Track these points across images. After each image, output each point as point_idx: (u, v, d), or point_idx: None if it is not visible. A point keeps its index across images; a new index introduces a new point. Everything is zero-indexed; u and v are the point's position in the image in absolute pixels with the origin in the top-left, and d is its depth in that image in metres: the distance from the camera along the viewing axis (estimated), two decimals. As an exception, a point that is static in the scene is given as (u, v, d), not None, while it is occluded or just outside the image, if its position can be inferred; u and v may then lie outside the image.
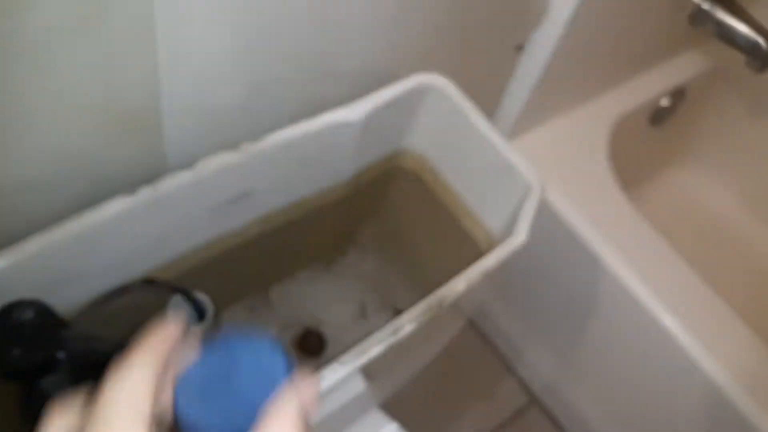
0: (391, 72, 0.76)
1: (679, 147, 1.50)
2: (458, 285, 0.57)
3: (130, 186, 0.62)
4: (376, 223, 0.82)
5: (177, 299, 0.63)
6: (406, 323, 0.55)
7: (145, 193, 0.57)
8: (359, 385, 0.64)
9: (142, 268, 0.61)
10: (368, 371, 0.61)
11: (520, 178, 0.65)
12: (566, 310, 1.18)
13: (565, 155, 1.15)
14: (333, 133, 0.66)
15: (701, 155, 1.52)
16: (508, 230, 0.66)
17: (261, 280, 0.76)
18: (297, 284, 0.80)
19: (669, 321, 0.96)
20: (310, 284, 0.81)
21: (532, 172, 0.65)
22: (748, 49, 1.16)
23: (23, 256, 0.52)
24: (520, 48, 0.99)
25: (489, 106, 1.08)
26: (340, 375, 0.51)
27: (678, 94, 1.32)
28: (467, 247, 0.73)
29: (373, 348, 0.53)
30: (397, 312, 0.79)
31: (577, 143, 1.17)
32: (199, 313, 0.63)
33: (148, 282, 0.59)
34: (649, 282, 0.98)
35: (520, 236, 0.61)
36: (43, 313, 0.50)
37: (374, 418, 0.80)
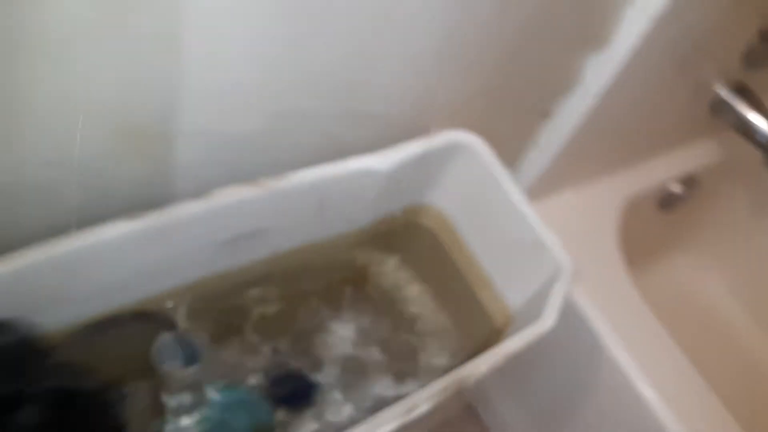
0: (418, 123, 0.72)
1: (686, 234, 1.50)
2: (480, 366, 0.52)
3: (132, 206, 0.56)
4: (386, 278, 0.76)
5: (166, 339, 0.57)
6: (422, 402, 0.49)
7: (150, 219, 0.52)
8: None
9: (138, 296, 0.56)
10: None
11: (549, 257, 0.61)
12: (560, 390, 1.15)
13: (574, 229, 1.12)
14: (358, 180, 0.62)
15: (706, 245, 1.52)
16: (529, 310, 0.62)
17: (257, 324, 0.70)
18: (291, 336, 0.75)
19: (662, 411, 0.94)
20: (311, 332, 0.75)
21: (565, 253, 0.60)
22: (766, 145, 1.16)
23: (13, 268, 0.47)
24: (545, 114, 0.97)
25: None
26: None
27: (690, 182, 1.31)
28: (480, 319, 0.68)
29: (385, 426, 0.48)
30: (399, 373, 0.74)
31: (587, 218, 1.15)
32: (189, 355, 0.58)
33: (141, 315, 0.53)
34: (646, 368, 0.96)
35: (548, 321, 0.56)
36: (22, 340, 0.44)
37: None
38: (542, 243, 0.61)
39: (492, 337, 0.63)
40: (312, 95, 0.63)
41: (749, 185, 1.39)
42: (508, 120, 0.90)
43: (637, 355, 0.98)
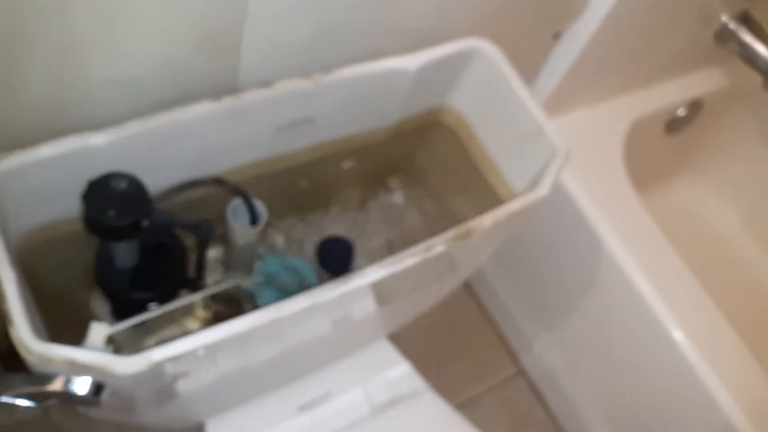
0: (440, 35, 0.85)
1: (690, 158, 1.56)
2: (485, 220, 0.66)
3: (204, 98, 0.70)
4: (411, 170, 0.90)
5: (237, 202, 0.71)
6: (438, 244, 0.63)
7: (227, 102, 0.66)
8: (370, 304, 0.71)
9: (213, 168, 0.70)
10: (381, 294, 0.69)
11: (548, 142, 0.74)
12: (564, 288, 1.25)
13: (582, 145, 1.20)
14: (390, 78, 0.75)
15: (710, 169, 1.59)
16: (531, 189, 0.75)
17: (303, 203, 0.85)
18: (329, 216, 0.89)
19: (659, 307, 1.04)
20: (343, 217, 0.89)
21: (561, 138, 0.73)
22: (767, 71, 1.25)
23: (123, 136, 0.61)
24: (557, 36, 1.07)
25: (521, 87, 1.15)
26: (376, 277, 0.60)
27: (695, 106, 1.38)
28: (490, 200, 0.81)
29: (408, 259, 0.62)
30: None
31: (594, 136, 1.22)
32: (253, 217, 0.72)
33: (218, 181, 0.67)
34: (644, 268, 1.06)
35: (543, 189, 0.70)
36: (135, 186, 0.59)
37: (387, 353, 0.89)
38: (542, 129, 0.74)
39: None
40: (353, 12, 0.76)
41: (753, 110, 1.46)
42: (523, 40, 1.01)
43: (638, 257, 1.07)
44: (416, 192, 0.91)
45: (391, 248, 0.89)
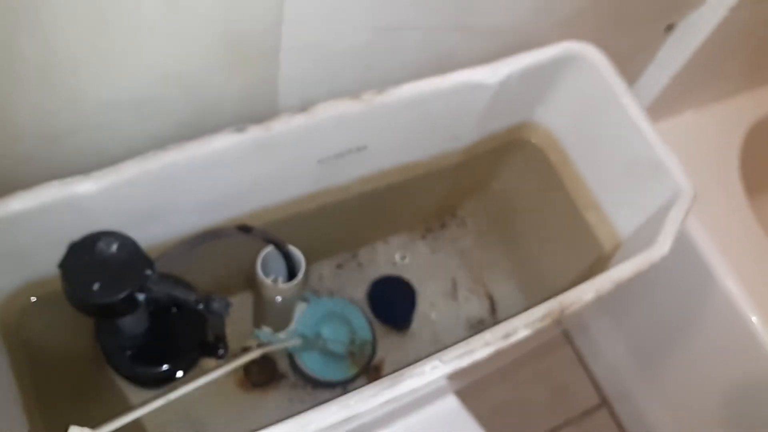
0: (530, 35, 0.68)
1: None
2: (586, 294, 0.50)
3: (236, 121, 0.56)
4: (486, 197, 0.74)
5: (269, 250, 0.57)
6: (521, 328, 0.48)
7: (254, 132, 0.51)
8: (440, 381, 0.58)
9: (237, 212, 0.56)
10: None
11: (669, 180, 0.57)
12: (661, 316, 1.10)
13: (693, 152, 1.06)
14: (464, 95, 0.59)
15: None
16: (641, 236, 0.58)
17: (354, 238, 0.70)
18: (388, 249, 0.74)
19: None
20: (403, 251, 0.75)
21: (686, 176, 0.56)
22: None
23: (116, 181, 0.48)
24: (670, 28, 0.89)
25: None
26: (440, 373, 0.45)
27: None
28: (586, 243, 0.65)
29: (480, 350, 0.46)
30: (491, 300, 0.72)
31: (707, 142, 1.08)
32: (290, 268, 0.58)
33: (243, 228, 0.53)
34: (760, 303, 0.91)
35: (663, 247, 0.53)
36: (129, 248, 0.46)
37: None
38: (662, 164, 0.57)
39: (599, 263, 0.60)
40: (419, 9, 0.60)
41: None
42: (628, 34, 0.84)
43: (754, 291, 0.92)
44: (492, 225, 0.75)
45: (455, 290, 0.73)
